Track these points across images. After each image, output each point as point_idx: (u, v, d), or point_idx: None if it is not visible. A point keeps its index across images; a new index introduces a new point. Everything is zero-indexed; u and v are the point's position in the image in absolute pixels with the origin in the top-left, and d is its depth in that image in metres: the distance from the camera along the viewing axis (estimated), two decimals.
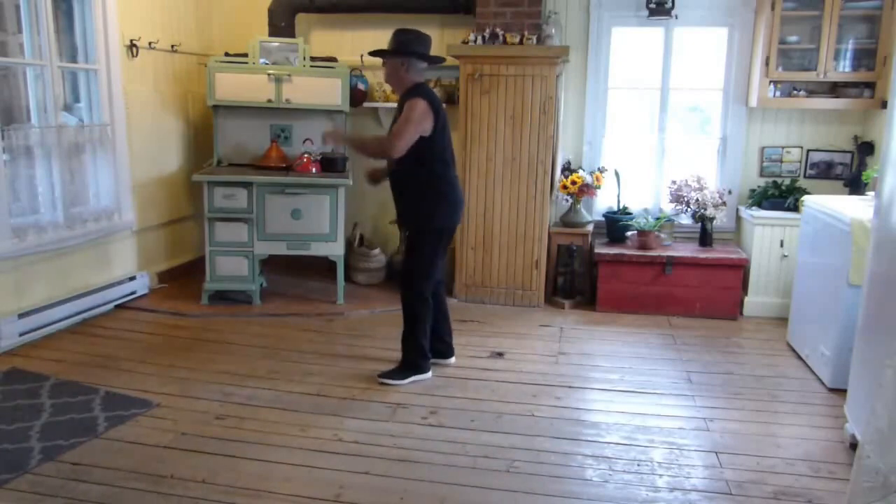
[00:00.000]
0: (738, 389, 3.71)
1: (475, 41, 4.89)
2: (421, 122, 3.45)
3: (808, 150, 5.13)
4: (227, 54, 5.26)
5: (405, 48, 3.58)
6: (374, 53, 3.71)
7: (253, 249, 4.86)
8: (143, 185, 5.04)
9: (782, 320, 4.57)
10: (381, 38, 5.48)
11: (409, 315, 3.72)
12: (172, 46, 5.22)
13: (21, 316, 4.01)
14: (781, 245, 4.81)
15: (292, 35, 5.35)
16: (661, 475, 2.84)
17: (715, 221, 5.02)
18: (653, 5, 4.97)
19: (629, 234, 5.10)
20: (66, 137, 4.29)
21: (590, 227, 5.19)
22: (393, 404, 3.44)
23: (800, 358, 4.12)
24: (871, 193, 3.66)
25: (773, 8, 4.70)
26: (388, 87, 5.53)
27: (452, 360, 3.98)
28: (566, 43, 5.11)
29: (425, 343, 3.74)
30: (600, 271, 5.00)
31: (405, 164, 3.52)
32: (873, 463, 2.06)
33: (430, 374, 3.76)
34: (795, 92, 4.90)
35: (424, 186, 3.60)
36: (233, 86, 5.01)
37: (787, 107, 5.00)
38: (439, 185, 3.62)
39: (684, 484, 2.78)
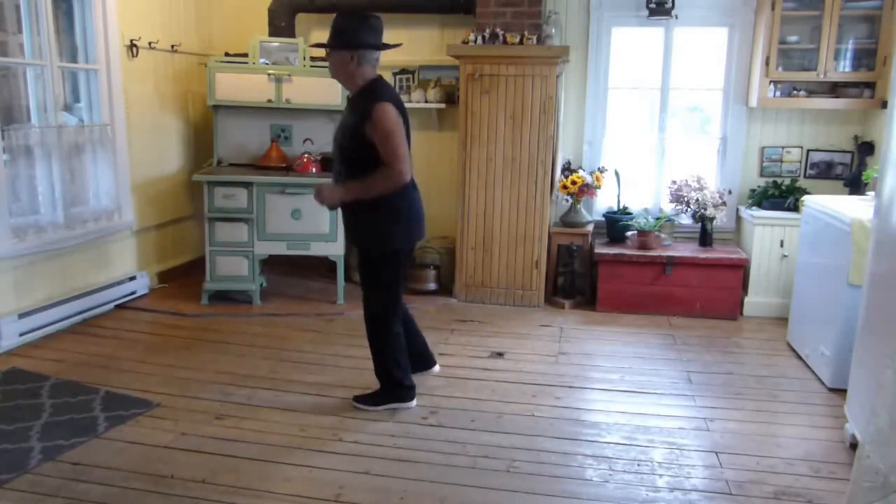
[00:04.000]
0: (738, 389, 3.71)
1: (475, 41, 4.89)
2: (399, 128, 3.04)
3: (808, 150, 5.13)
4: (227, 54, 5.26)
5: (354, 39, 3.06)
6: (317, 46, 3.24)
7: (253, 249, 4.86)
8: (143, 185, 5.04)
9: (782, 320, 4.57)
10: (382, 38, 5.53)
11: (377, 349, 3.36)
12: (172, 46, 5.22)
13: (21, 316, 4.01)
14: (781, 245, 4.81)
15: (292, 35, 5.35)
16: (661, 475, 2.84)
17: (715, 221, 5.02)
18: (653, 5, 4.97)
19: (629, 234, 5.10)
20: (66, 137, 4.29)
21: (590, 227, 5.18)
22: None
23: (800, 358, 4.12)
24: (871, 193, 3.66)
25: (773, 8, 4.70)
26: None
27: (436, 368, 3.77)
28: (566, 43, 5.11)
29: (401, 374, 3.38)
30: (600, 271, 5.00)
31: (361, 178, 3.09)
32: (873, 463, 2.06)
33: (413, 403, 3.40)
34: (795, 92, 4.90)
35: (383, 204, 3.13)
36: (233, 86, 5.01)
37: (787, 107, 5.00)
38: (398, 202, 3.17)
39: (684, 484, 2.78)
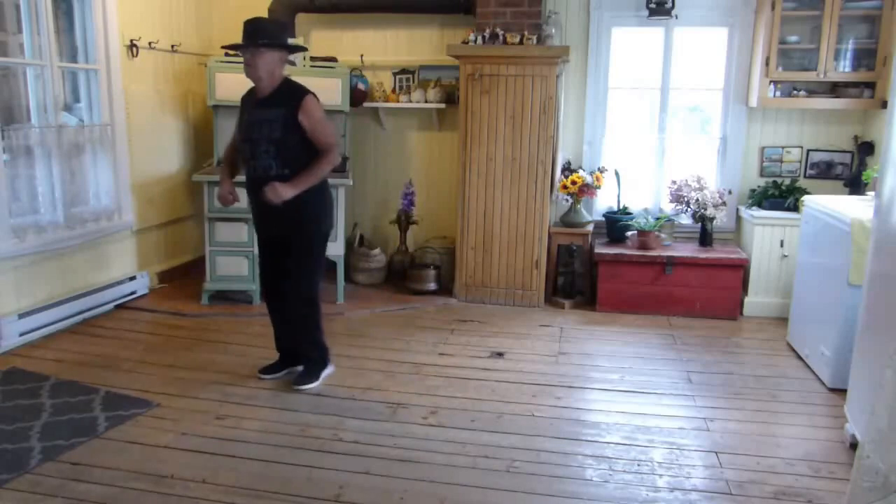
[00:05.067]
0: (738, 389, 3.71)
1: (475, 41, 4.89)
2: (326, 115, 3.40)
3: (808, 150, 5.13)
4: (227, 54, 5.26)
5: (284, 40, 3.37)
6: (263, 44, 3.24)
7: (253, 249, 4.85)
8: (143, 185, 5.04)
9: (782, 320, 4.57)
10: (381, 37, 5.56)
11: (307, 324, 3.60)
12: (172, 46, 5.22)
13: (21, 316, 4.01)
14: (781, 245, 4.81)
15: (292, 35, 5.34)
16: (661, 475, 2.84)
17: (715, 221, 5.02)
18: (653, 5, 4.97)
19: (629, 234, 5.10)
20: (66, 137, 4.29)
21: (590, 227, 5.19)
22: (393, 404, 3.44)
23: (800, 358, 4.12)
24: (871, 193, 3.66)
25: (773, 8, 4.70)
26: (387, 87, 5.54)
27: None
28: (566, 43, 5.11)
29: (324, 337, 3.70)
30: (600, 271, 5.00)
31: (296, 165, 3.33)
32: (873, 463, 2.05)
33: (332, 365, 3.74)
34: (795, 92, 4.90)
35: (316, 188, 3.40)
36: (233, 86, 4.99)
37: (787, 107, 4.99)
38: (324, 186, 3.49)
39: (684, 484, 2.78)
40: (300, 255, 3.52)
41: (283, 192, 3.25)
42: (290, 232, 3.48)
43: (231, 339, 4.31)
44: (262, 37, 3.27)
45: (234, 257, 4.87)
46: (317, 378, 3.63)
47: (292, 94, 3.33)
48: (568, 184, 5.06)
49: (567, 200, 5.20)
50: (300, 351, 3.71)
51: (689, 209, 5.05)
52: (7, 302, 3.99)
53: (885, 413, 2.06)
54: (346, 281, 5.14)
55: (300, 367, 3.81)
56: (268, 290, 3.73)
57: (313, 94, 3.36)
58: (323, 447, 3.02)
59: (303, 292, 3.55)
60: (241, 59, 5.00)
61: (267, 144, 3.32)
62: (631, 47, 5.28)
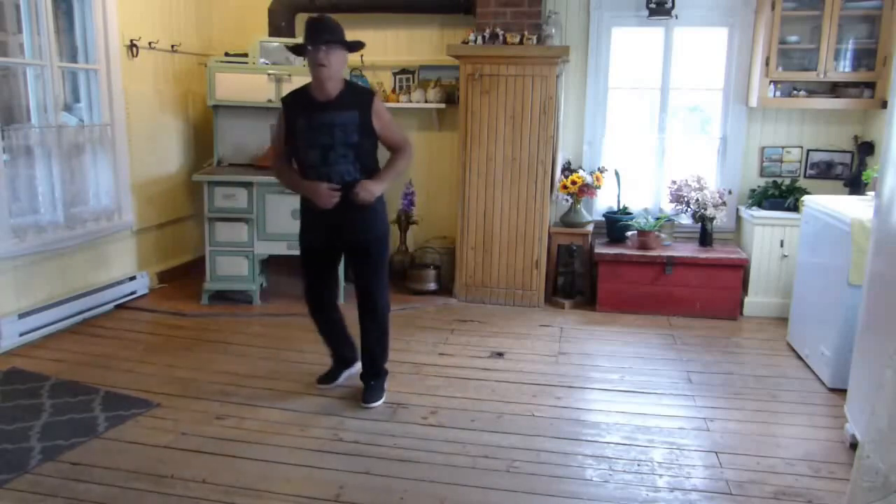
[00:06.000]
0: (738, 389, 3.71)
1: (475, 41, 4.89)
2: None
3: (808, 150, 5.13)
4: (227, 54, 5.26)
5: (344, 38, 3.14)
6: (343, 43, 3.14)
7: (253, 249, 4.86)
8: (143, 185, 5.04)
9: (782, 320, 4.58)
10: (382, 38, 5.56)
11: (383, 337, 3.48)
12: (172, 46, 5.22)
13: (21, 316, 4.01)
14: (781, 245, 4.81)
15: (292, 35, 5.35)
16: (661, 475, 2.84)
17: (715, 221, 5.02)
18: (653, 5, 4.97)
19: (629, 234, 5.10)
20: (66, 137, 4.30)
21: (590, 227, 5.18)
22: (393, 404, 3.44)
23: (800, 358, 4.12)
24: (871, 193, 3.66)
25: (773, 8, 4.70)
26: (387, 87, 5.54)
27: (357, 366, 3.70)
28: (566, 43, 5.11)
29: None
30: (600, 271, 5.00)
31: (371, 169, 3.26)
32: (873, 463, 2.05)
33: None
34: (795, 92, 4.90)
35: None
36: (233, 86, 5.01)
37: (788, 107, 4.99)
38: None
39: (684, 484, 2.78)
40: (378, 262, 3.38)
41: (375, 188, 3.16)
42: (368, 237, 3.32)
43: (231, 339, 4.31)
44: (334, 35, 3.08)
45: (234, 257, 4.86)
46: (384, 391, 3.50)
47: (360, 96, 3.19)
48: (568, 184, 5.06)
49: (567, 200, 5.20)
50: (371, 365, 3.48)
51: (689, 209, 5.05)
52: (7, 302, 3.99)
53: (885, 413, 2.06)
54: (347, 281, 5.13)
55: (353, 369, 3.67)
56: (315, 304, 3.53)
57: (375, 92, 3.32)
58: (323, 447, 3.02)
59: (384, 302, 3.45)
60: (239, 60, 5.08)
61: (344, 149, 3.14)
62: (631, 47, 5.28)
